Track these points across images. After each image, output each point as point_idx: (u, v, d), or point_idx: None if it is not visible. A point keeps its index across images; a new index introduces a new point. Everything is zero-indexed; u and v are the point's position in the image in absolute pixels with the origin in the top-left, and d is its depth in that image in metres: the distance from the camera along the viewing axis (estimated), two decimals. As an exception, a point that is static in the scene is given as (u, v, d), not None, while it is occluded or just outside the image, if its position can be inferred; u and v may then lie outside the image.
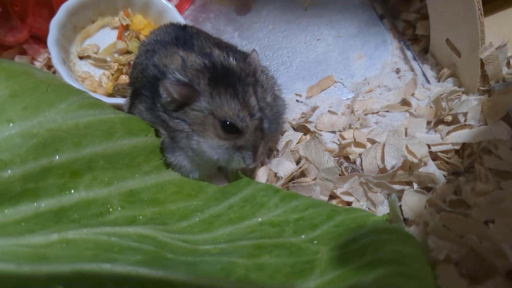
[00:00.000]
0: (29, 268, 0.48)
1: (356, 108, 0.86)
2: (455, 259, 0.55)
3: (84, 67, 0.92)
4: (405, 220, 0.64)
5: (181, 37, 0.72)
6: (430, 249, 0.56)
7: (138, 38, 0.94)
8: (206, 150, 0.64)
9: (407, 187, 0.71)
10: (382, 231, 0.56)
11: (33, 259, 0.50)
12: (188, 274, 0.50)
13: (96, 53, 0.92)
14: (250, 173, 0.74)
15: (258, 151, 0.65)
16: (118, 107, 0.81)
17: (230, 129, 0.63)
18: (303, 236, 0.58)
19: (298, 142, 0.80)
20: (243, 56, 0.70)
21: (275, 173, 0.76)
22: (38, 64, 0.95)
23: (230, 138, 0.64)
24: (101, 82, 0.89)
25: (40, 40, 0.98)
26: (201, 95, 0.63)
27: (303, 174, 0.75)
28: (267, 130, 0.68)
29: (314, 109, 0.84)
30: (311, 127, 0.82)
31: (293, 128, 0.84)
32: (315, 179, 0.73)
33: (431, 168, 0.72)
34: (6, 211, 0.55)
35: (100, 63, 0.91)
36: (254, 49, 0.69)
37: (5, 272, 0.48)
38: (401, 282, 0.49)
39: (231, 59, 0.66)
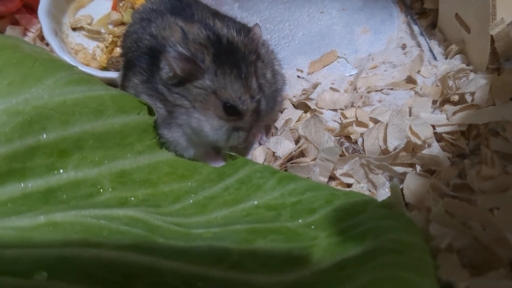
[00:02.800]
0: (13, 252, 0.47)
1: (359, 85, 0.83)
2: (457, 248, 0.53)
3: (77, 39, 0.89)
4: (406, 204, 0.62)
5: (178, 6, 0.69)
6: (431, 237, 0.54)
7: (133, 8, 0.89)
8: (206, 130, 0.62)
9: (409, 169, 0.68)
10: (382, 217, 0.54)
11: (18, 242, 0.48)
12: (178, 260, 0.48)
13: (89, 24, 0.88)
14: (247, 152, 0.72)
15: (251, 131, 0.64)
16: (112, 81, 0.79)
17: (231, 111, 0.61)
18: (300, 221, 0.56)
19: (298, 121, 0.78)
20: (245, 30, 0.67)
21: (273, 153, 0.73)
22: (31, 35, 0.92)
23: (230, 120, 0.62)
24: (94, 55, 0.86)
25: (33, 10, 0.93)
26: (205, 73, 0.60)
27: (302, 154, 0.73)
28: (263, 109, 0.65)
29: (315, 85, 0.81)
30: (311, 104, 0.79)
31: (293, 105, 0.81)
32: (314, 159, 0.70)
33: (435, 150, 0.69)
34: (-9, 191, 0.54)
35: (94, 34, 0.88)
36: (257, 24, 0.65)
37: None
38: (400, 273, 0.47)
39: (234, 33, 0.63)
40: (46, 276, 0.45)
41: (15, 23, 0.93)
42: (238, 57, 0.61)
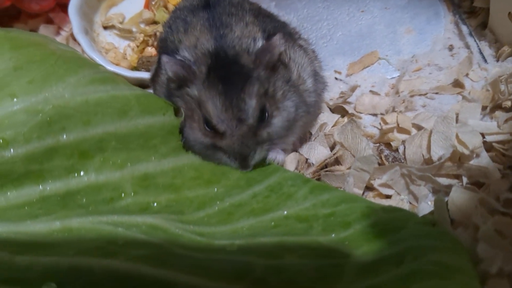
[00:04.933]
0: (24, 259, 0.45)
1: (401, 88, 0.78)
2: (508, 272, 0.47)
3: (108, 37, 0.88)
4: (451, 221, 0.56)
5: (209, 3, 0.65)
6: (479, 259, 0.48)
7: (166, 7, 0.88)
8: (191, 141, 0.59)
9: (455, 181, 0.63)
10: (425, 235, 0.50)
11: (30, 249, 0.46)
12: (195, 275, 0.45)
13: (121, 23, 0.87)
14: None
15: (248, 159, 0.58)
16: (142, 82, 0.77)
17: (211, 128, 0.57)
18: (333, 235, 0.52)
19: (334, 125, 0.73)
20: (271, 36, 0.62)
21: (306, 159, 0.69)
22: (64, 34, 0.92)
23: (212, 137, 0.57)
24: (125, 54, 0.84)
25: (67, 8, 0.93)
26: (194, 82, 0.57)
27: (337, 161, 0.68)
28: (276, 130, 0.60)
29: (354, 88, 0.77)
30: (349, 108, 0.75)
31: (329, 109, 0.77)
32: (350, 167, 0.66)
33: (484, 160, 0.63)
34: (8, 193, 0.52)
35: (125, 33, 0.87)
36: (278, 33, 0.59)
37: (-3, 261, 0.44)
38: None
39: (243, 45, 0.58)
40: (55, 287, 0.42)
41: (49, 21, 0.92)
42: (233, 72, 0.56)
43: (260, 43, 0.59)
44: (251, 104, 0.55)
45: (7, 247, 0.45)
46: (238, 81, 0.56)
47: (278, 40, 0.58)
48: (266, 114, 0.58)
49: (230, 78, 0.56)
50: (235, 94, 0.55)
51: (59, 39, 0.90)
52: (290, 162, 0.67)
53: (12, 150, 0.51)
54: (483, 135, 0.65)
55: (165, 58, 0.57)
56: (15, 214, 0.50)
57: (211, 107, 0.56)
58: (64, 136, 0.54)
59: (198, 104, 0.57)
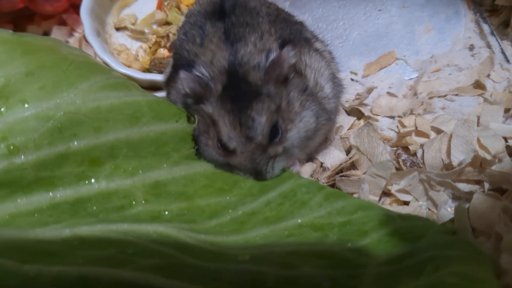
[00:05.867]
0: (32, 268, 0.43)
1: (419, 90, 0.76)
2: (534, 285, 0.45)
3: (120, 39, 0.87)
4: (472, 229, 0.54)
5: (223, 12, 0.64)
6: (503, 271, 0.46)
7: (178, 8, 0.87)
8: (207, 158, 0.59)
9: (476, 187, 0.61)
10: (445, 245, 0.48)
11: (38, 257, 0.45)
12: (205, 285, 0.44)
13: (133, 24, 0.86)
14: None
15: (263, 173, 0.57)
16: (154, 84, 0.76)
17: (224, 146, 0.56)
18: (349, 245, 0.51)
19: (350, 128, 0.71)
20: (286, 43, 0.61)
21: (321, 163, 0.67)
22: (77, 35, 0.91)
23: (225, 155, 0.57)
24: (137, 55, 0.83)
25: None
26: (209, 100, 0.56)
27: (353, 166, 0.66)
28: (293, 143, 0.59)
29: (370, 90, 0.75)
30: (366, 111, 0.73)
31: (345, 111, 0.75)
32: (366, 172, 0.64)
33: (507, 165, 0.61)
34: (18, 200, 0.51)
35: (138, 35, 0.86)
36: (288, 45, 0.58)
37: (4, 270, 0.43)
38: (464, 314, 0.41)
39: (254, 61, 0.57)
40: (62, 298, 0.42)
41: (63, 23, 0.92)
42: (243, 89, 0.56)
43: (273, 55, 0.58)
44: (260, 121, 0.54)
45: (16, 256, 0.44)
46: (247, 98, 0.55)
47: (287, 53, 0.57)
48: (280, 130, 0.57)
49: (240, 96, 0.55)
50: (244, 112, 0.55)
51: (72, 40, 0.90)
52: (305, 166, 0.66)
53: (22, 156, 0.51)
54: (506, 139, 0.63)
55: (182, 74, 0.57)
56: (25, 221, 0.50)
57: (222, 125, 0.55)
58: (75, 142, 0.53)
59: (212, 122, 0.57)
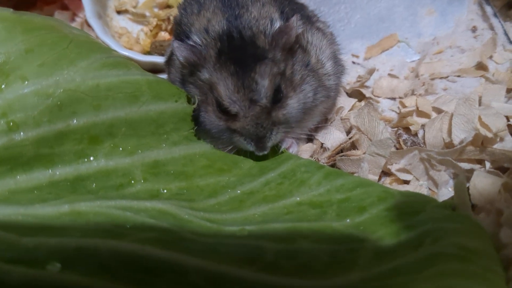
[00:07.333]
0: (30, 240, 0.44)
1: (421, 71, 0.75)
2: (533, 259, 0.45)
3: (121, 22, 0.87)
4: (472, 206, 0.54)
5: None
6: (502, 245, 0.46)
7: (180, -10, 0.86)
8: (208, 125, 0.58)
9: (477, 166, 0.60)
10: (444, 218, 0.48)
11: (37, 231, 0.45)
12: (205, 259, 0.44)
13: (134, 7, 0.86)
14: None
15: (265, 140, 0.56)
16: (155, 66, 0.76)
17: (224, 110, 0.56)
18: (347, 220, 0.50)
19: (351, 110, 0.71)
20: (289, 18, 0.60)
21: (322, 144, 0.67)
22: (79, 20, 0.92)
23: (226, 119, 0.57)
24: (138, 38, 0.83)
25: (82, -6, 0.93)
26: (205, 66, 0.56)
27: (353, 146, 0.66)
28: (293, 112, 0.58)
29: (371, 71, 0.75)
30: (367, 92, 0.73)
31: (346, 93, 0.75)
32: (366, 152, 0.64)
33: (509, 144, 0.61)
34: (18, 177, 0.51)
35: (139, 18, 0.86)
36: (296, 15, 0.58)
37: (3, 243, 0.43)
38: (464, 283, 0.41)
39: (260, 26, 0.57)
40: (59, 267, 0.42)
41: (65, 8, 0.92)
42: (247, 53, 0.55)
43: (277, 24, 0.58)
44: (264, 84, 0.54)
45: (15, 229, 0.45)
46: (251, 62, 0.54)
47: (295, 21, 0.56)
48: (281, 95, 0.56)
49: (244, 59, 0.55)
50: (247, 75, 0.54)
51: (74, 25, 0.90)
52: (305, 146, 0.66)
53: (22, 133, 0.51)
54: (507, 118, 0.62)
55: (175, 44, 0.56)
56: (24, 198, 0.50)
57: (223, 88, 0.55)
58: (75, 120, 0.53)
59: (210, 87, 0.56)
